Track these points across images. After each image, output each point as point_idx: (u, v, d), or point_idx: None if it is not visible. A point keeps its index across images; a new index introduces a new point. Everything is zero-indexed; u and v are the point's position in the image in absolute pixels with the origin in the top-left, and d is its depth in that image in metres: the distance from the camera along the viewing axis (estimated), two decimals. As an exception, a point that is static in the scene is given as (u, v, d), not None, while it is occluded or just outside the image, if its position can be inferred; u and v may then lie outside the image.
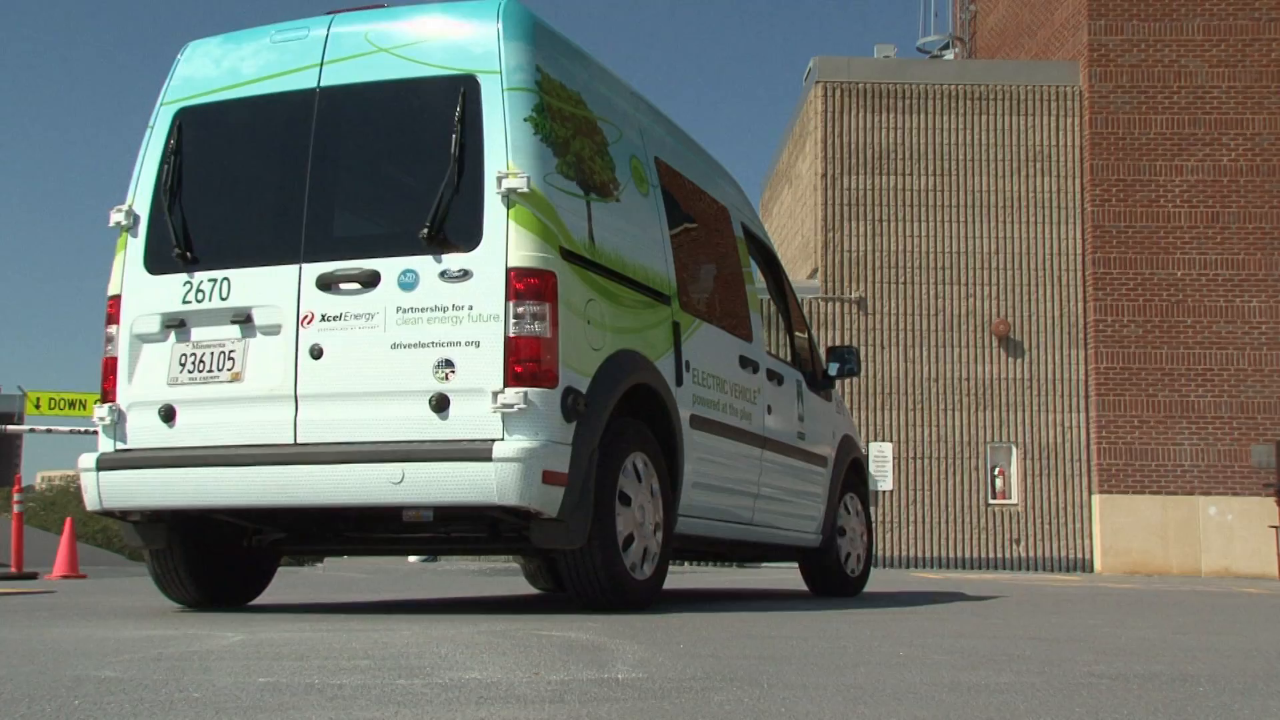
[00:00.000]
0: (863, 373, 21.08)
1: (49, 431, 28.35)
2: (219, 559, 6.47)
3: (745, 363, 7.41)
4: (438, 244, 5.42)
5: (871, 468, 20.89)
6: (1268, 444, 20.70)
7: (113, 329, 5.91)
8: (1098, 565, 20.88)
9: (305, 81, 5.81)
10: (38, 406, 41.56)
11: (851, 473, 9.21)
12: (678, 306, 6.50)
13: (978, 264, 21.45)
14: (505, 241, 5.34)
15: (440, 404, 5.31)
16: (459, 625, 5.22)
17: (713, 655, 4.01)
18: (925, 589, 11.26)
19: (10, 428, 25.77)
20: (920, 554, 20.86)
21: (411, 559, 25.44)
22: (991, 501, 21.04)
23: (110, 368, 5.93)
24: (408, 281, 5.42)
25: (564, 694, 3.03)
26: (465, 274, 5.36)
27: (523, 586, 10.93)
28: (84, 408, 41.92)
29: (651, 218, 6.48)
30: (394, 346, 5.39)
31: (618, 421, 5.70)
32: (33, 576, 13.52)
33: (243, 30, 6.15)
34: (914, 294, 21.37)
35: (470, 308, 5.33)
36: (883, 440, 21.01)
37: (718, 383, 6.90)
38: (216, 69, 6.01)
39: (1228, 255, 21.27)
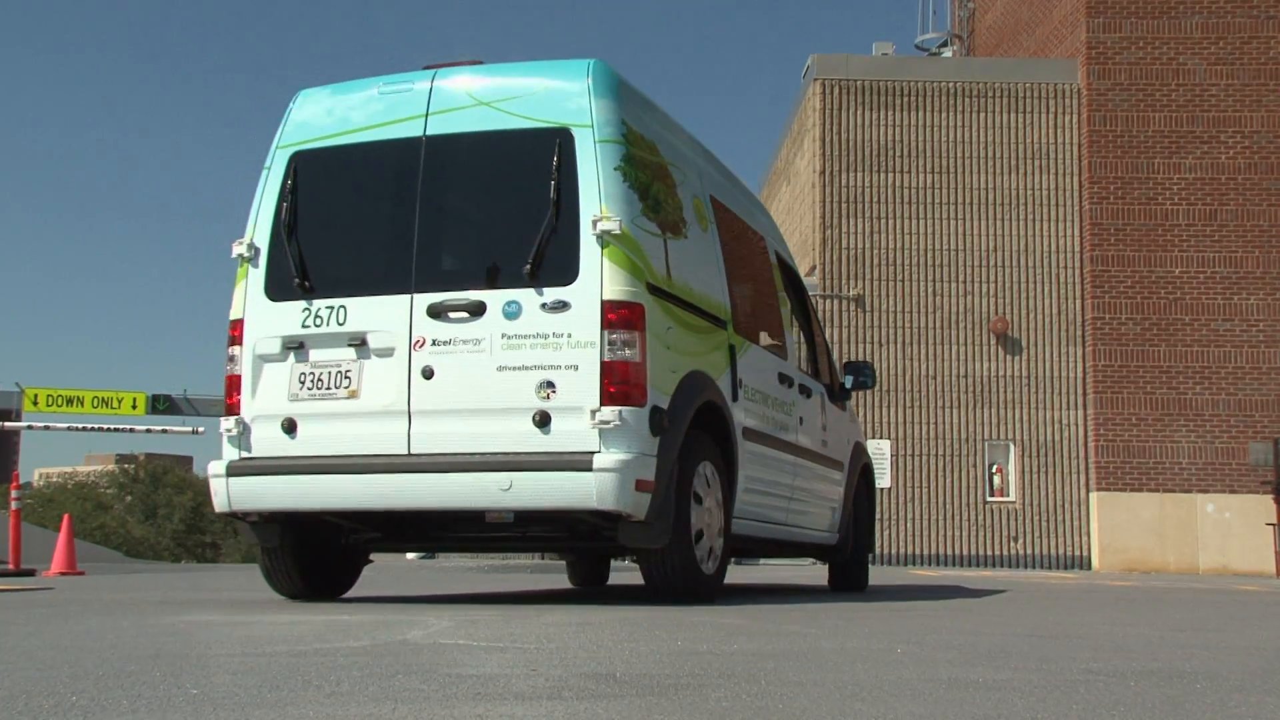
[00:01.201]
0: (861, 370, 21.12)
1: (46, 428, 28.36)
2: (320, 556, 7.08)
3: (783, 379, 8.12)
4: (539, 279, 6.07)
5: (869, 465, 20.94)
6: (1265, 442, 20.71)
7: (235, 350, 6.49)
8: (1095, 563, 20.89)
9: (412, 130, 6.44)
10: (35, 403, 41.60)
11: (862, 478, 10.03)
12: (732, 330, 7.23)
13: (976, 261, 21.45)
14: (600, 277, 6.01)
15: (542, 420, 5.96)
16: (457, 624, 5.22)
17: (710, 652, 4.01)
18: (923, 584, 11.26)
19: (8, 424, 25.79)
20: (918, 551, 20.87)
21: (410, 555, 25.47)
22: (989, 499, 21.05)
23: (234, 384, 6.49)
24: (511, 311, 6.06)
25: (561, 690, 3.03)
26: (564, 305, 6.02)
27: (525, 583, 10.94)
28: (81, 404, 41.94)
29: (711, 251, 7.20)
30: (499, 369, 6.04)
31: (690, 434, 6.35)
32: (30, 573, 13.51)
33: (350, 81, 6.82)
34: (912, 291, 21.37)
35: (569, 335, 5.99)
36: (881, 438, 21.02)
37: (763, 398, 7.61)
38: (329, 117, 6.66)
39: (1226, 253, 21.28)
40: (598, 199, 6.07)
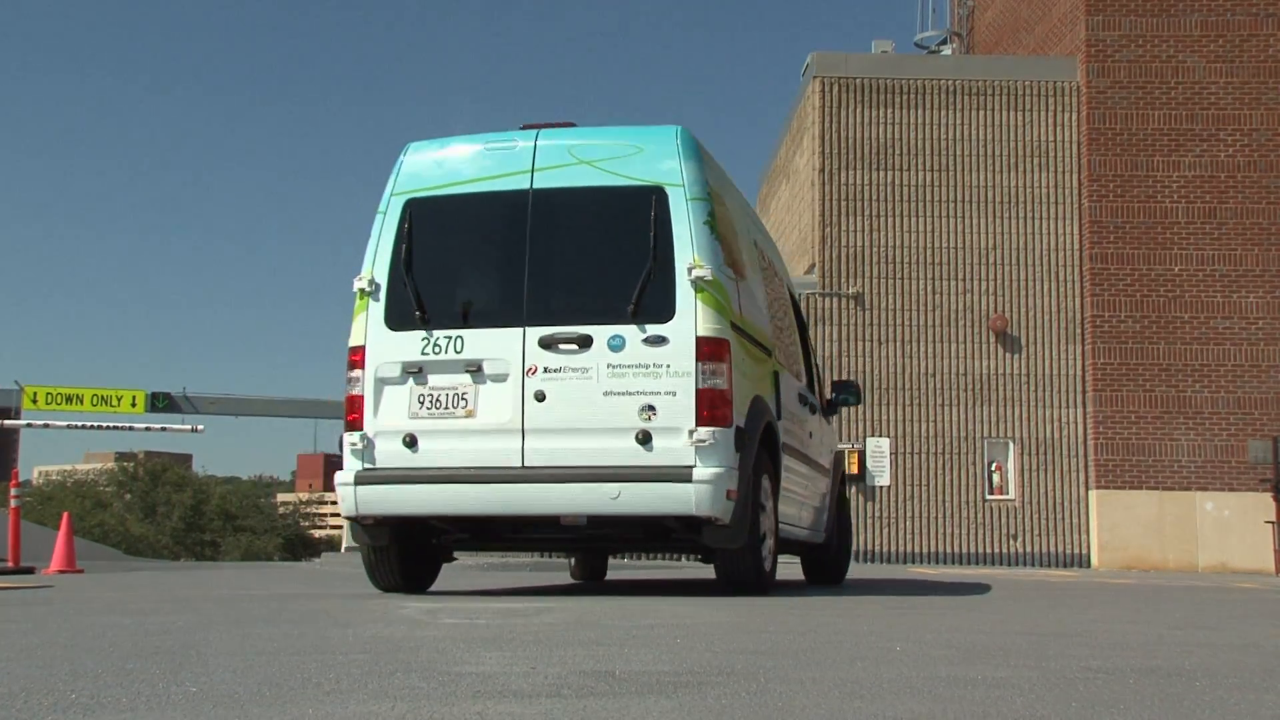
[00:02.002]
0: (861, 368, 21.09)
1: (46, 426, 28.37)
2: (416, 555, 7.89)
3: (802, 399, 9.21)
4: (640, 316, 6.98)
5: (869, 463, 20.91)
6: (1265, 439, 20.71)
7: (357, 373, 7.29)
8: (1095, 561, 20.90)
9: (520, 183, 7.32)
10: (35, 401, 41.60)
11: (840, 483, 11.06)
12: (774, 359, 8.23)
13: (975, 259, 21.44)
14: (695, 317, 6.95)
15: (644, 439, 6.85)
16: (456, 620, 5.22)
17: (709, 649, 4.01)
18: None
19: (7, 422, 25.78)
20: (917, 549, 20.87)
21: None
22: (989, 497, 21.05)
23: (356, 404, 7.28)
24: (616, 344, 6.96)
25: (561, 688, 3.04)
26: (662, 340, 6.93)
27: (527, 580, 10.96)
28: (80, 402, 41.94)
29: (760, 290, 8.25)
30: (605, 394, 6.92)
31: (758, 451, 7.27)
32: (30, 571, 13.52)
33: (455, 137, 7.72)
34: (911, 289, 21.36)
35: (668, 366, 6.90)
36: (880, 435, 21.02)
37: (791, 416, 8.57)
38: (439, 169, 7.52)
39: (1225, 250, 21.28)
40: (691, 249, 7.02)
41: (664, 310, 6.97)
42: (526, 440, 6.97)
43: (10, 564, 14.00)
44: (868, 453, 20.93)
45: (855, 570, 16.85)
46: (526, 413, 6.98)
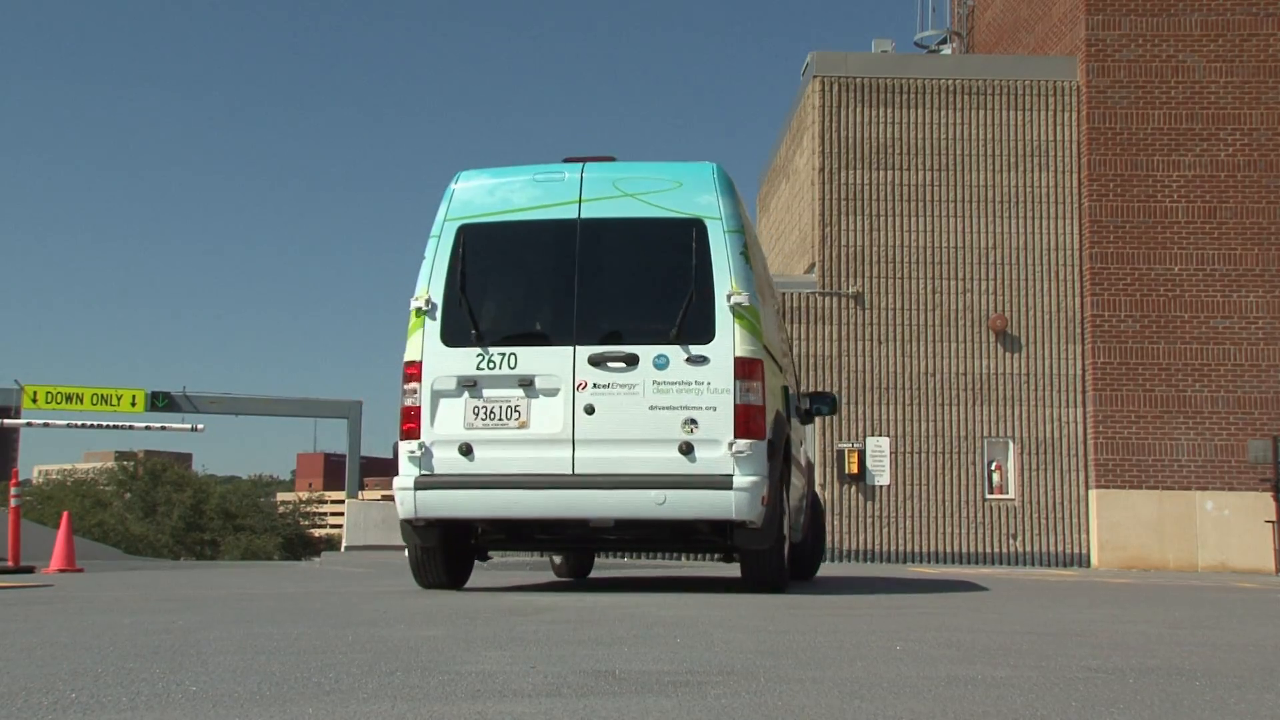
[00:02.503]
0: (860, 367, 21.09)
1: (45, 425, 28.34)
2: (456, 555, 8.41)
3: (797, 410, 10.01)
4: (683, 338, 7.58)
5: (869, 462, 20.90)
6: (1264, 439, 20.70)
7: (413, 385, 7.77)
8: (1094, 560, 20.89)
9: (568, 213, 7.90)
10: (35, 400, 41.58)
11: (812, 483, 11.85)
12: (784, 376, 8.97)
13: (975, 259, 21.44)
14: (733, 339, 7.57)
15: (687, 449, 7.46)
16: (454, 617, 5.22)
17: (709, 649, 4.01)
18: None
19: (7, 421, 25.77)
20: (917, 549, 20.87)
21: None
22: (989, 496, 21.04)
23: (413, 414, 7.76)
24: (661, 363, 7.56)
25: (561, 687, 3.03)
26: (704, 360, 7.53)
27: (524, 578, 10.95)
28: (80, 401, 41.91)
29: (773, 312, 9.04)
30: (651, 408, 7.52)
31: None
32: (30, 570, 13.51)
33: (504, 168, 8.26)
34: (911, 289, 21.35)
35: (708, 383, 7.51)
36: (880, 435, 21.02)
37: (792, 427, 9.20)
38: (490, 197, 8.04)
39: (1225, 250, 21.27)
40: (729, 277, 7.66)
41: (705, 332, 7.59)
42: (577, 450, 7.56)
43: (10, 563, 14.00)
44: (868, 452, 20.93)
45: (853, 569, 16.85)
46: (577, 424, 7.57)
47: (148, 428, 30.40)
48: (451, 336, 7.78)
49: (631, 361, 7.57)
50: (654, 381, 7.54)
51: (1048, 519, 21.12)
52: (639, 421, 7.52)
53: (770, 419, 7.71)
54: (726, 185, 7.94)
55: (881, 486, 20.92)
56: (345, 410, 45.60)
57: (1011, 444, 21.21)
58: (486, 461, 7.60)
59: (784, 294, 21.26)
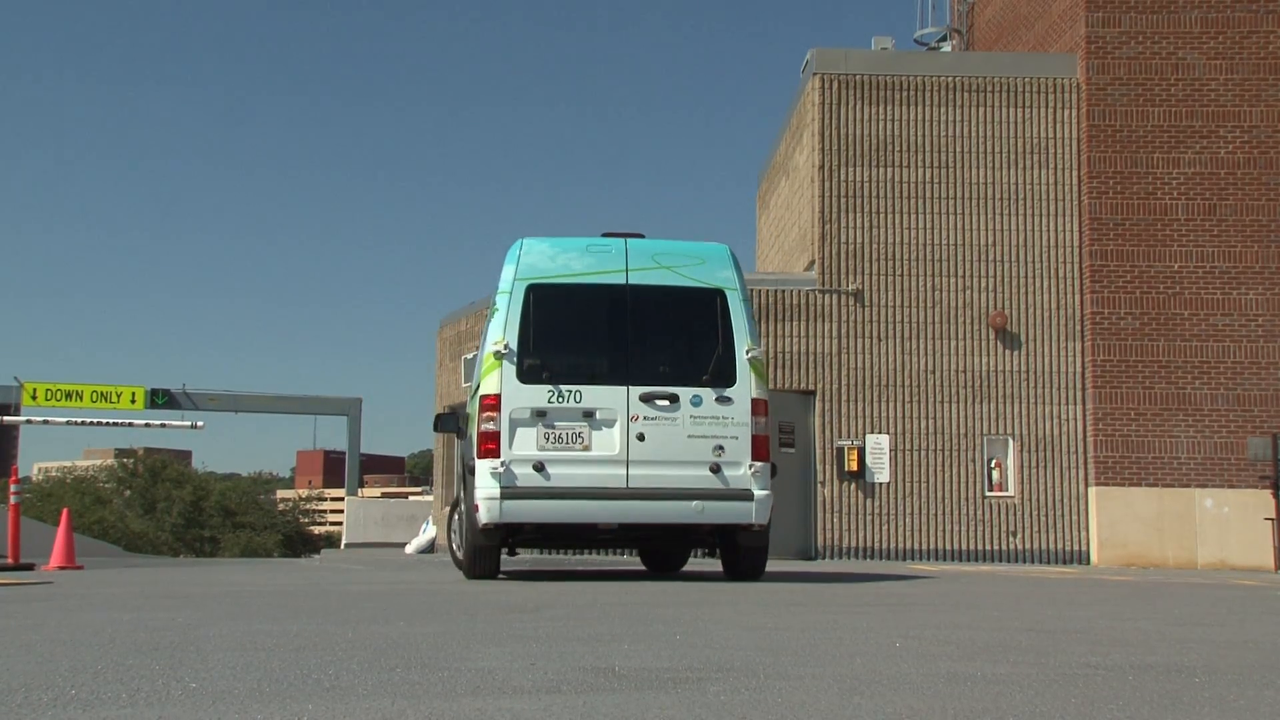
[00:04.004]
0: (860, 364, 21.07)
1: (45, 422, 28.33)
2: (499, 552, 10.09)
3: None
4: (713, 383, 9.54)
5: (869, 459, 20.88)
6: (1264, 436, 20.67)
7: (492, 414, 9.37)
8: (1094, 557, 20.88)
9: (618, 279, 9.73)
10: (34, 397, 41.57)
11: None
12: None
13: (975, 256, 21.41)
14: (750, 384, 9.60)
15: (715, 469, 9.43)
16: (454, 613, 5.22)
17: (709, 646, 4.01)
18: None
19: (7, 419, 25.76)
20: (917, 546, 20.85)
21: (408, 550, 25.52)
22: (988, 494, 21.01)
23: (492, 437, 9.33)
24: (696, 401, 9.51)
25: (560, 684, 3.04)
26: (728, 400, 9.53)
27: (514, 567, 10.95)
28: (80, 399, 41.89)
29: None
30: (689, 436, 9.43)
31: None
32: (30, 567, 13.52)
33: (560, 238, 10.02)
34: (911, 286, 21.32)
35: (732, 418, 9.49)
36: (879, 432, 21.01)
37: None
38: (552, 263, 9.73)
39: (1225, 248, 21.24)
40: (746, 336, 9.67)
41: (729, 378, 9.56)
42: (630, 469, 9.41)
43: (10, 560, 14.01)
44: (867, 449, 20.93)
45: (853, 566, 16.85)
46: (630, 448, 9.41)
47: (147, 425, 30.38)
48: (526, 376, 9.42)
49: (673, 400, 9.47)
50: (691, 416, 9.45)
51: (1047, 516, 21.13)
52: (679, 447, 9.40)
53: (771, 447, 9.76)
54: (737, 263, 10.03)
55: (881, 484, 20.92)
56: (345, 407, 45.60)
57: (1011, 441, 21.21)
58: (558, 477, 9.30)
59: (784, 291, 21.27)
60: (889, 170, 21.73)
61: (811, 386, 20.86)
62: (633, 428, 9.40)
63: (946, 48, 29.02)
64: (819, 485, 20.63)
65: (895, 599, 7.54)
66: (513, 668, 3.35)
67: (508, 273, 9.68)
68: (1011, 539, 20.96)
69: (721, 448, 9.42)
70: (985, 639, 4.51)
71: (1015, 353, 21.37)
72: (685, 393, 9.49)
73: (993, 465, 21.18)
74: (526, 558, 16.76)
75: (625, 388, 9.47)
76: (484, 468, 9.30)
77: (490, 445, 9.31)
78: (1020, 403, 21.25)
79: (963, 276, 21.44)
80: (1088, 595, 8.90)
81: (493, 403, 9.37)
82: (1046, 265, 21.51)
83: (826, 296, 21.31)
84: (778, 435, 20.26)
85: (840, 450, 20.73)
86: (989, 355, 21.34)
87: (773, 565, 16.98)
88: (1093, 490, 21.04)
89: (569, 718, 2.59)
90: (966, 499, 20.99)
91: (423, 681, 3.06)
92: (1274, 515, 20.18)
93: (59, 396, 41.08)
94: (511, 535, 9.82)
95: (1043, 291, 21.47)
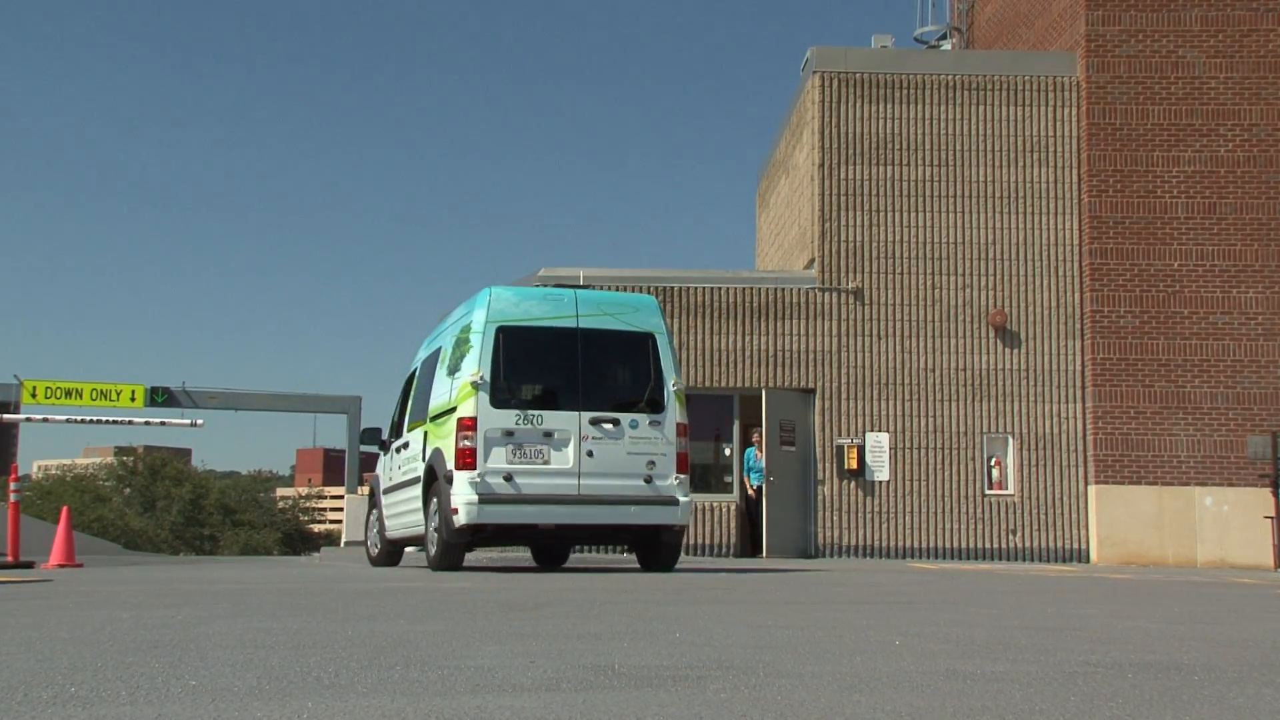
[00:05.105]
0: (860, 363, 21.08)
1: (45, 421, 28.30)
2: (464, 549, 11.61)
3: None
4: (647, 409, 11.41)
5: (869, 458, 20.88)
6: (1264, 435, 20.68)
7: (469, 433, 10.91)
8: (1094, 556, 20.89)
9: (571, 323, 11.47)
10: (34, 395, 41.52)
11: None
12: None
13: (975, 255, 21.41)
14: (675, 411, 11.47)
15: (649, 480, 11.28)
16: (453, 611, 5.22)
17: (708, 644, 4.01)
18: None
19: (6, 416, 25.74)
20: (916, 544, 20.86)
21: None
22: (988, 492, 21.02)
23: (469, 453, 10.90)
24: (634, 425, 11.32)
25: (559, 682, 3.04)
26: (659, 423, 11.39)
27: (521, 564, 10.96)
28: (80, 397, 41.84)
29: None
30: (628, 453, 11.25)
31: None
32: (29, 565, 13.52)
33: (521, 288, 11.99)
34: (911, 284, 21.33)
35: (662, 439, 11.35)
36: (879, 431, 21.01)
37: None
38: (516, 309, 11.44)
39: (1224, 246, 21.25)
40: (672, 371, 11.61)
41: (659, 406, 11.44)
42: (582, 479, 11.14)
43: (10, 558, 14.01)
44: (867, 448, 20.93)
45: (853, 564, 16.85)
46: (582, 463, 11.14)
47: (147, 423, 30.36)
48: (498, 402, 11.03)
49: (617, 423, 11.26)
50: (630, 436, 11.25)
51: (1047, 514, 21.13)
52: (621, 461, 11.19)
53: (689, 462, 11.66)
54: (663, 311, 12.16)
55: (881, 482, 20.92)
56: (345, 405, 45.56)
57: (1011, 439, 21.21)
58: (524, 486, 10.96)
59: (783, 290, 21.26)
60: (889, 168, 21.72)
61: (811, 385, 20.86)
62: (584, 445, 11.13)
63: (946, 46, 29.00)
64: (819, 484, 20.64)
65: (894, 597, 7.55)
66: (512, 665, 3.35)
67: (479, 316, 11.33)
68: (1011, 537, 20.96)
69: (653, 462, 11.24)
70: (985, 637, 4.51)
71: (1015, 351, 21.36)
72: (625, 417, 11.30)
73: (992, 463, 21.18)
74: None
75: (578, 413, 11.19)
76: (462, 477, 10.85)
77: (468, 460, 10.89)
78: (1020, 401, 21.25)
79: (962, 275, 21.44)
80: (1087, 593, 8.90)
81: (470, 424, 10.95)
82: (1046, 263, 21.51)
83: (826, 295, 21.31)
84: (778, 433, 20.31)
85: (840, 448, 20.72)
86: (989, 353, 21.33)
87: (773, 564, 17.08)
88: (1092, 488, 21.04)
89: (569, 715, 2.59)
90: (966, 497, 20.99)
91: (422, 679, 3.06)
92: (1273, 513, 20.18)
93: (59, 394, 41.05)
94: (475, 534, 11.18)
95: (1042, 290, 21.47)
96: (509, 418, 11.02)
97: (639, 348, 11.57)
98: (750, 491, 20.38)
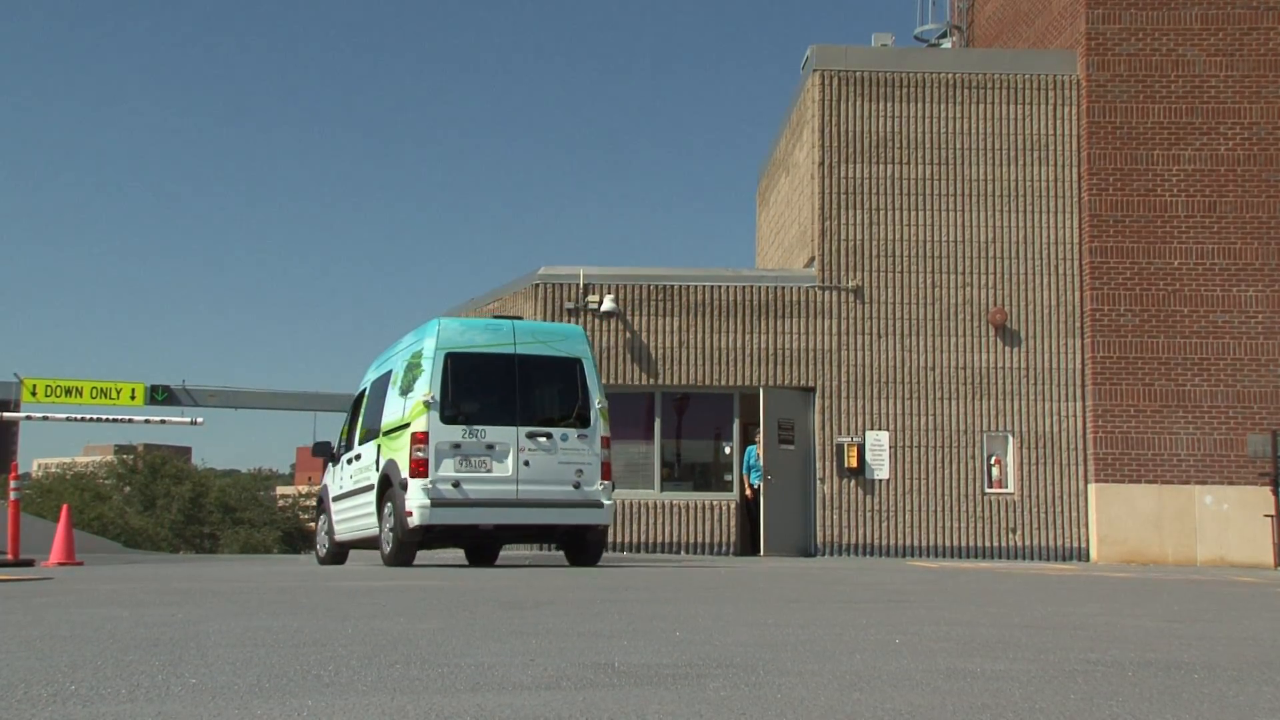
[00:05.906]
0: (860, 361, 21.08)
1: (45, 419, 28.26)
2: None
3: None
4: (576, 424, 12.80)
5: (869, 456, 20.88)
6: (1263, 433, 20.68)
7: (422, 445, 12.27)
8: (1093, 554, 20.89)
9: (509, 349, 12.91)
10: (34, 394, 41.52)
11: None
12: None
13: (975, 253, 21.40)
14: (600, 426, 12.88)
15: (577, 485, 12.65)
16: (453, 609, 5.21)
17: (708, 642, 4.01)
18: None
19: (6, 415, 25.72)
20: (916, 543, 20.86)
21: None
22: (988, 490, 21.01)
23: (423, 463, 12.22)
24: (565, 437, 12.72)
25: (560, 680, 3.04)
26: (586, 436, 12.80)
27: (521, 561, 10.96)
28: (80, 395, 41.84)
29: None
30: (560, 462, 12.62)
31: None
32: (29, 563, 13.52)
33: (465, 319, 13.78)
34: (911, 283, 21.32)
35: (589, 449, 12.79)
36: (879, 429, 21.01)
37: None
38: (462, 337, 12.85)
39: (1224, 244, 21.24)
40: (597, 392, 13.02)
41: (586, 421, 12.85)
42: (520, 485, 12.52)
43: (10, 556, 14.02)
44: (867, 446, 20.93)
45: (853, 563, 16.85)
46: (520, 471, 12.54)
47: (147, 421, 30.27)
48: (446, 418, 12.39)
49: (550, 436, 12.67)
50: (561, 448, 12.65)
51: (1047, 513, 21.13)
52: (553, 470, 12.58)
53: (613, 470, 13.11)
54: (588, 339, 13.65)
55: (881, 480, 20.92)
56: (345, 404, 45.50)
57: (1011, 438, 21.21)
58: (470, 491, 12.34)
59: (783, 288, 21.27)
60: (889, 167, 21.72)
61: (811, 383, 20.86)
62: (521, 456, 12.52)
63: (946, 44, 29.00)
64: (819, 482, 20.64)
65: (894, 595, 7.55)
66: (512, 664, 3.35)
67: (430, 343, 12.69)
68: (1011, 536, 20.97)
69: (581, 471, 12.64)
70: (984, 635, 4.51)
71: (1015, 349, 21.36)
72: (557, 432, 12.71)
73: (992, 462, 21.18)
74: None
75: (516, 427, 12.59)
76: (416, 484, 12.16)
77: (421, 469, 12.24)
78: (1020, 399, 21.26)
79: (962, 273, 21.44)
80: (1087, 592, 8.90)
81: (422, 438, 12.33)
82: (1046, 262, 21.51)
83: (826, 293, 21.31)
84: (778, 432, 20.32)
85: (840, 447, 20.72)
86: (989, 352, 21.33)
87: (772, 563, 17.11)
88: (1092, 487, 21.05)
89: (568, 713, 2.59)
90: (966, 496, 20.99)
91: (422, 677, 3.06)
92: (1273, 512, 20.18)
93: (59, 393, 41.03)
94: (426, 534, 12.45)
95: (1042, 288, 21.47)
96: (456, 432, 12.39)
97: (569, 371, 13.00)
98: (748, 491, 20.38)
